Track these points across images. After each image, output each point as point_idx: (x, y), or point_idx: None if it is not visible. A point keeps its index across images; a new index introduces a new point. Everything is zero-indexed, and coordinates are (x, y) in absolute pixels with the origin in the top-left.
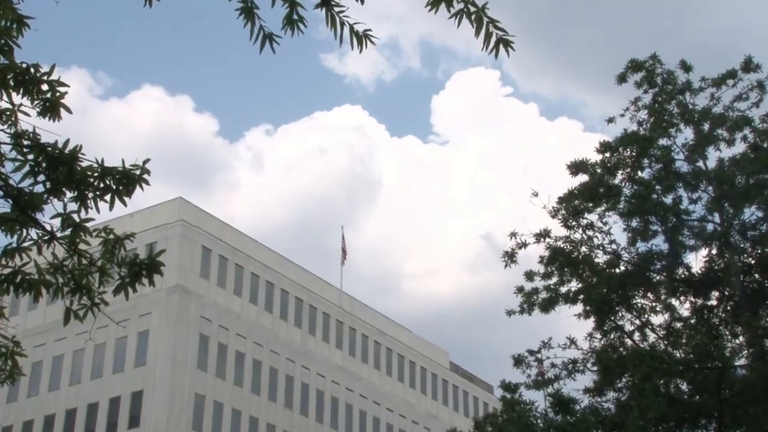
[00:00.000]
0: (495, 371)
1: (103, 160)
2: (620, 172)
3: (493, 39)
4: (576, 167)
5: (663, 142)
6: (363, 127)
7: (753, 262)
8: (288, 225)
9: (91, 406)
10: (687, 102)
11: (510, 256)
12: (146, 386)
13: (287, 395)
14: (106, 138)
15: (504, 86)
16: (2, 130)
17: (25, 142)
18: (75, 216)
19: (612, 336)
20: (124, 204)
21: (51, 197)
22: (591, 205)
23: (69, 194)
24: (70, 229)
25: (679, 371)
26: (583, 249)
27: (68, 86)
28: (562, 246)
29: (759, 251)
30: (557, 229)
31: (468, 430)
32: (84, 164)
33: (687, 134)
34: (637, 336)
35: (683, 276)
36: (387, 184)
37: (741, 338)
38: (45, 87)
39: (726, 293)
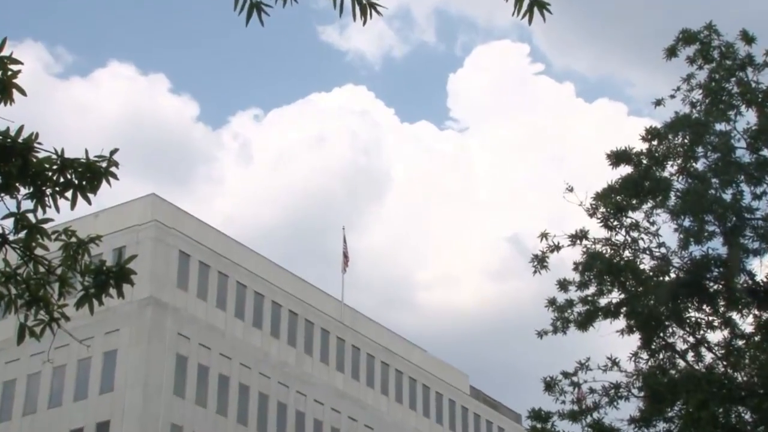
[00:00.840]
0: (523, 397)
1: (63, 151)
2: (670, 162)
3: (526, 1)
4: (618, 157)
5: (721, 127)
6: (368, 112)
7: None
8: (280, 226)
9: None
10: (749, 80)
11: (540, 262)
12: (114, 416)
13: (279, 425)
14: (66, 124)
15: (534, 63)
16: None
17: None
18: (30, 216)
19: (661, 356)
20: (88, 202)
21: (2, 194)
22: (636, 201)
23: (23, 190)
24: (24, 232)
25: (741, 397)
26: (627, 253)
27: (22, 63)
28: (601, 250)
29: None
30: (596, 229)
31: None
32: (41, 155)
33: (749, 117)
34: (690, 356)
35: (745, 285)
36: (396, 179)
37: None
38: None
39: None
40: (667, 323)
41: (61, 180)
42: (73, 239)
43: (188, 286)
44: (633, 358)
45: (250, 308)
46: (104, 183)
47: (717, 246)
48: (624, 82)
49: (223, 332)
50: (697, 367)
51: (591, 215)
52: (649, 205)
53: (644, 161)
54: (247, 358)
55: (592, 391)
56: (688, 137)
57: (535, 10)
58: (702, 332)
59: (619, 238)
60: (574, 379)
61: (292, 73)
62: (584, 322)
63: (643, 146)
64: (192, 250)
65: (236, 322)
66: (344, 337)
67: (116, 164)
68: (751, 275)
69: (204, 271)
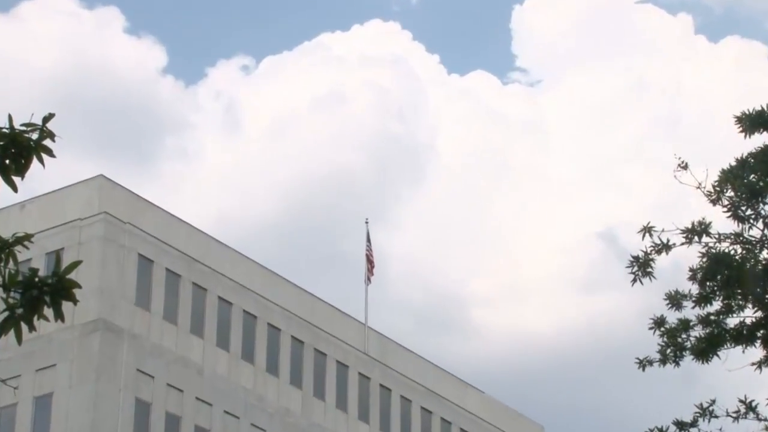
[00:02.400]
0: None
1: None
2: None
3: None
4: (753, 121)
5: None
6: (403, 60)
7: None
8: (280, 221)
9: None
10: None
11: (642, 267)
12: None
13: None
14: None
15: None
16: None
17: None
18: None
19: None
20: (13, 188)
21: None
22: None
23: None
24: None
25: None
26: (765, 254)
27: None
28: (729, 250)
29: None
30: (721, 221)
31: None
32: None
33: None
34: None
35: None
36: (442, 152)
37: None
38: None
39: None
40: None
41: None
42: None
43: (151, 305)
44: None
45: (237, 334)
46: (35, 162)
47: None
48: (763, 14)
49: (200, 368)
50: None
51: (714, 202)
52: None
53: None
54: (234, 404)
55: None
56: None
57: None
58: None
59: (755, 233)
60: (693, 431)
61: (294, 5)
62: (705, 350)
63: None
64: (156, 253)
65: (219, 355)
66: (369, 373)
67: (52, 136)
68: None
69: (173, 283)
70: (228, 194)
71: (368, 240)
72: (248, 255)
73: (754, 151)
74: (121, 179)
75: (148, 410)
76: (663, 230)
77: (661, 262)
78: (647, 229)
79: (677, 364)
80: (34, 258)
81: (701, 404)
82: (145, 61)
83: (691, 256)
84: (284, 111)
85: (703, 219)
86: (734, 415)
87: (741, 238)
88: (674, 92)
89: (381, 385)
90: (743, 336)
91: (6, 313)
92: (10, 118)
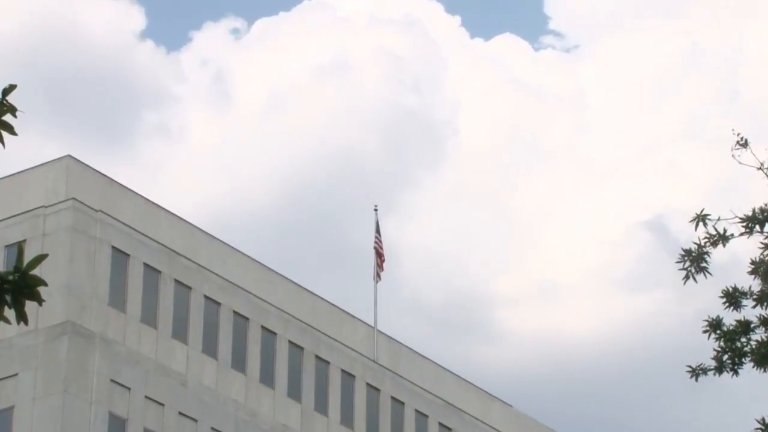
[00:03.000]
0: None
1: None
2: None
3: None
4: None
5: None
6: (419, 22)
7: None
8: (276, 210)
9: None
10: None
11: (695, 261)
12: None
13: None
14: None
15: None
16: None
17: None
18: None
19: None
20: None
21: None
22: None
23: None
24: None
25: None
26: None
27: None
28: None
29: None
30: None
31: None
32: None
33: None
34: None
35: None
36: (464, 130)
37: None
38: None
39: None
40: None
41: None
42: None
43: (127, 305)
44: None
45: (226, 340)
46: None
47: None
48: None
49: (183, 379)
50: None
51: None
52: None
53: None
54: (222, 419)
55: None
56: None
57: None
58: None
59: None
60: None
61: None
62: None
63: None
64: (133, 247)
65: (205, 362)
66: (379, 384)
67: (13, 110)
68: None
69: (152, 279)
70: (217, 178)
71: (378, 231)
72: (240, 248)
73: None
74: (92, 161)
75: (124, 426)
76: (719, 218)
77: (717, 255)
78: (701, 218)
79: (735, 372)
80: None
81: (764, 419)
82: (120, 24)
83: (751, 247)
84: (281, 82)
85: (766, 205)
86: None
87: None
88: (733, 59)
89: (392, 398)
90: None
91: None
92: None
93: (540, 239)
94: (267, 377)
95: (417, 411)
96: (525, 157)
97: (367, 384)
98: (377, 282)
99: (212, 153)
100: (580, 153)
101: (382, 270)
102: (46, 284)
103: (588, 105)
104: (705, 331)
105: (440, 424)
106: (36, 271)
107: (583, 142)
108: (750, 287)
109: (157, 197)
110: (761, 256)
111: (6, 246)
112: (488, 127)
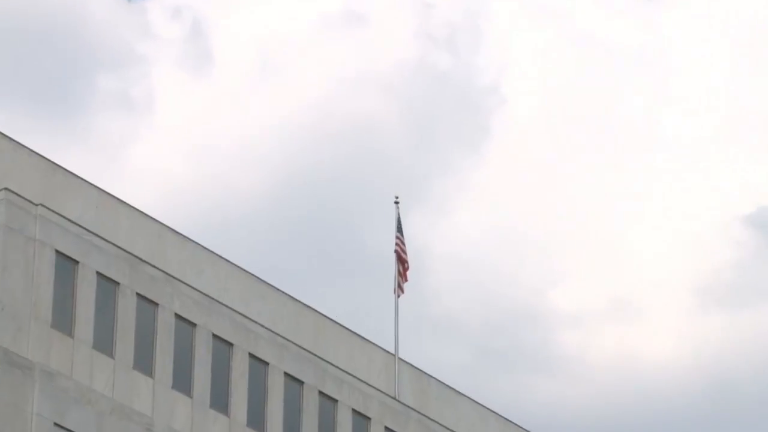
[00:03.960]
0: None
1: None
2: None
3: None
4: None
5: None
6: None
7: None
8: (266, 201)
9: None
10: None
11: None
12: None
13: None
14: None
15: None
16: None
17: None
18: None
19: None
20: None
21: None
22: None
23: None
24: None
25: None
26: None
27: None
28: None
29: None
30: None
31: None
32: None
33: None
34: None
35: None
36: (511, 99)
37: None
38: None
39: None
40: None
41: None
42: None
43: (75, 327)
44: None
45: (204, 371)
46: None
47: None
48: None
49: (149, 421)
50: None
51: None
52: None
53: None
54: None
55: None
56: None
57: None
58: None
59: None
60: None
61: None
62: None
63: None
64: (84, 251)
65: (177, 401)
66: (402, 428)
67: None
68: None
69: (108, 294)
70: (191, 161)
71: (399, 230)
72: (221, 253)
73: None
74: (31, 140)
75: None
76: None
77: None
78: None
79: None
80: None
81: None
82: None
83: None
84: (274, 38)
85: None
86: None
87: None
88: None
89: None
90: None
91: None
92: None
93: (611, 240)
94: (256, 420)
95: None
96: (590, 134)
97: (386, 428)
98: (399, 296)
99: (186, 130)
100: (663, 131)
101: (406, 281)
102: None
103: (672, 68)
104: None
105: None
106: None
107: (667, 117)
108: None
109: (116, 188)
110: None
111: None
112: (542, 96)
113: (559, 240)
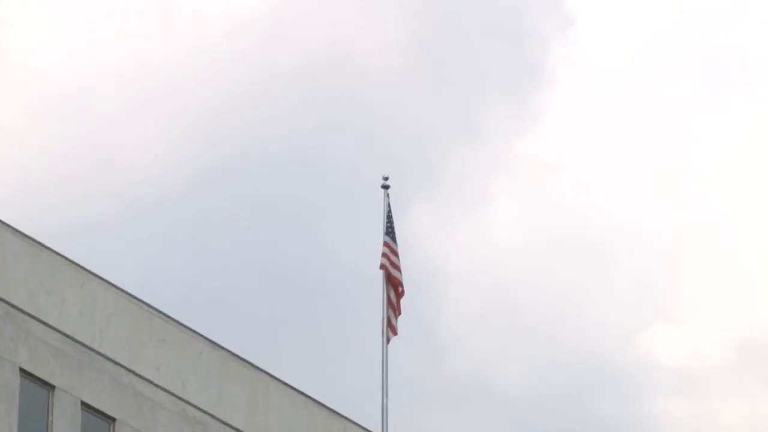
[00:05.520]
0: None
1: None
2: None
3: None
4: None
5: None
6: None
7: None
8: (181, 195)
9: None
10: None
11: None
12: None
13: None
14: None
15: None
16: None
17: None
18: None
19: None
20: None
21: None
22: None
23: None
24: None
25: None
26: None
27: None
28: None
29: None
30: None
31: None
32: None
33: None
34: None
35: None
36: (579, 36)
37: None
38: None
39: None
40: None
41: None
42: None
43: None
44: None
45: None
46: None
47: None
48: None
49: None
50: None
51: None
52: None
53: None
54: None
55: None
56: None
57: None
58: None
59: None
60: None
61: None
62: None
63: None
64: None
65: None
66: None
67: None
68: None
69: None
70: (56, 132)
71: (389, 231)
72: (114, 281)
73: None
74: None
75: None
76: None
77: None
78: None
79: None
80: None
81: None
82: None
83: None
84: None
85: None
86: None
87: None
88: None
89: None
90: None
91: None
92: None
93: (733, 262)
94: None
95: None
96: (695, 90)
97: None
98: (388, 342)
99: (43, 73)
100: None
101: (399, 314)
102: None
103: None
104: None
105: None
106: None
107: None
108: None
109: None
110: None
111: None
112: (619, 32)
113: (654, 258)
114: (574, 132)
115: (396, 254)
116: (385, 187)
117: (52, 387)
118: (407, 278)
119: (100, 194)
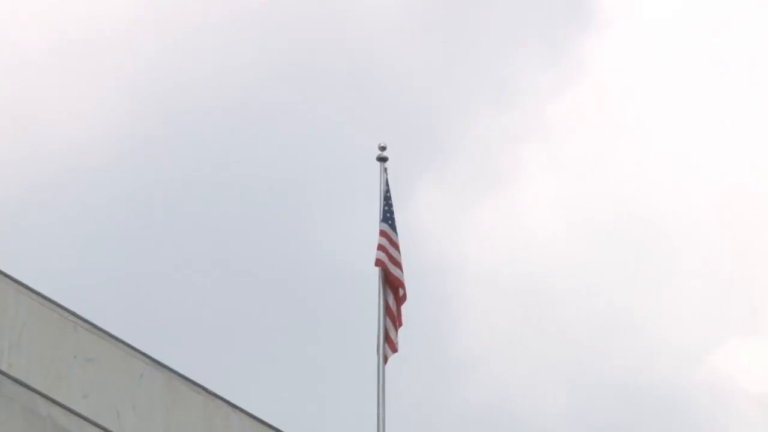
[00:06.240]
0: None
1: None
2: None
3: None
4: None
5: None
6: None
7: None
8: (109, 163)
9: None
10: None
11: None
12: None
13: None
14: None
15: None
16: None
17: None
18: None
19: None
20: None
21: None
22: None
23: None
24: None
25: None
26: None
27: None
28: None
29: None
30: None
31: None
32: None
33: None
34: None
35: None
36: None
37: None
38: None
39: None
40: None
41: None
42: None
43: None
44: None
45: None
46: None
47: None
48: None
49: None
50: None
51: None
52: None
53: None
54: None
55: None
56: None
57: None
58: None
59: None
60: None
61: None
62: None
63: None
64: None
65: None
66: None
67: None
68: None
69: None
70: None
71: (387, 219)
72: (28, 282)
73: None
74: None
75: None
76: None
77: None
78: None
79: None
80: None
81: None
82: None
83: None
84: None
85: None
86: None
87: None
88: None
89: None
90: None
91: None
92: None
93: None
94: None
95: None
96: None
97: None
98: (385, 362)
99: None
100: None
101: (399, 326)
102: None
103: None
104: None
105: None
106: None
107: None
108: None
109: None
110: None
111: None
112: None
113: (733, 256)
114: (630, 91)
115: (396, 247)
116: (382, 159)
117: None
118: (411, 278)
119: (9, 165)
